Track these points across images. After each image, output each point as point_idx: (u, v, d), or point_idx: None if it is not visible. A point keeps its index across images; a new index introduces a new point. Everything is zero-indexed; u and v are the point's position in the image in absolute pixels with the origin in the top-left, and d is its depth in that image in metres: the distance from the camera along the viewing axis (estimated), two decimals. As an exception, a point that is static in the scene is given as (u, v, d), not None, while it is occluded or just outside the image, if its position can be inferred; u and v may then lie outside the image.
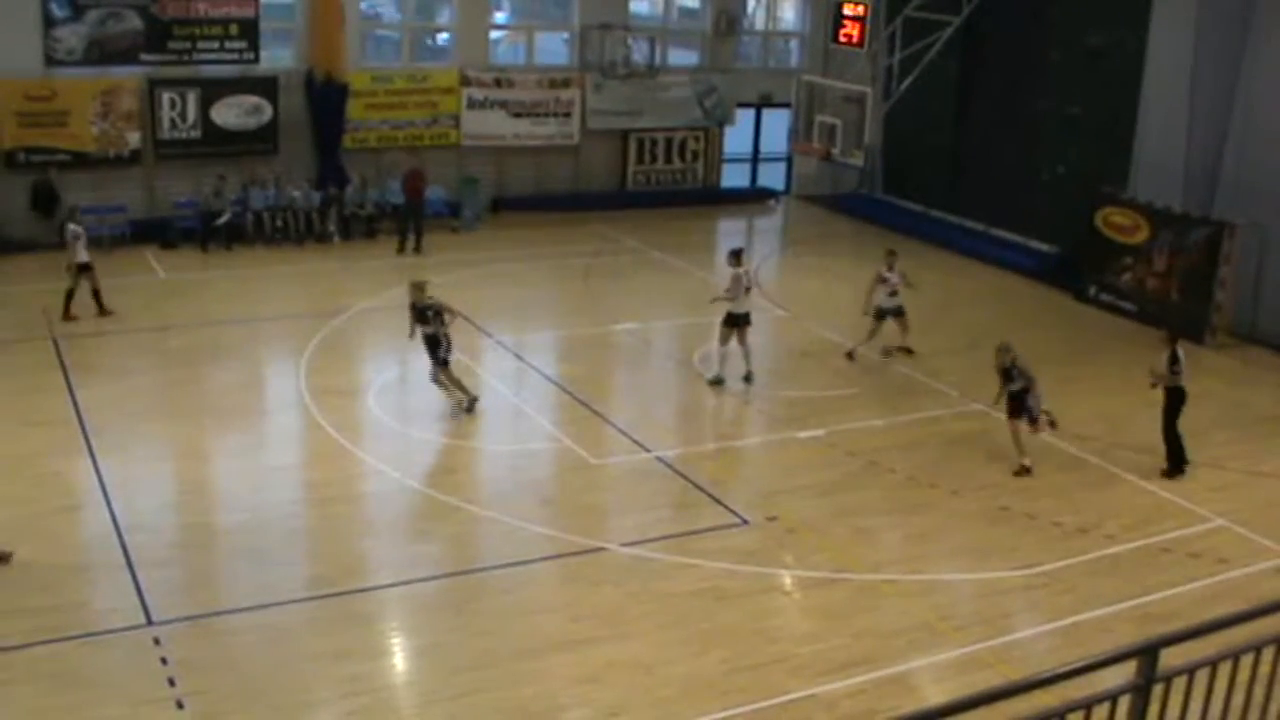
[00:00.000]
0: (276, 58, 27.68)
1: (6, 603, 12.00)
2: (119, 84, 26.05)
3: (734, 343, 18.99)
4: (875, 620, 12.63)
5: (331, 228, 26.90)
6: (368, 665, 11.48)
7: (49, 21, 25.20)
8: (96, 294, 21.34)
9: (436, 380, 17.43)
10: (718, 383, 19.00)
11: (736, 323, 18.88)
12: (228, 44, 26.69)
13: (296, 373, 18.93)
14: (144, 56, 26.07)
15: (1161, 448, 16.45)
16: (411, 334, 17.46)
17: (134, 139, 26.41)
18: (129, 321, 21.03)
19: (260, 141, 27.25)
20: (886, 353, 20.44)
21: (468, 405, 17.41)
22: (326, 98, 27.35)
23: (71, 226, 21.55)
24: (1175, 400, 16.26)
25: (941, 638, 12.37)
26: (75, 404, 17.17)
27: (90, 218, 25.84)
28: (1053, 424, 16.62)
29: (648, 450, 16.59)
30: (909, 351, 20.60)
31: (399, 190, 26.88)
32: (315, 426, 16.89)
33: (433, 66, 29.45)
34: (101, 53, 25.76)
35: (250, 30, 26.83)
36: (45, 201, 25.74)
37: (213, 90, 26.73)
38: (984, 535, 14.64)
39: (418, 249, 26.13)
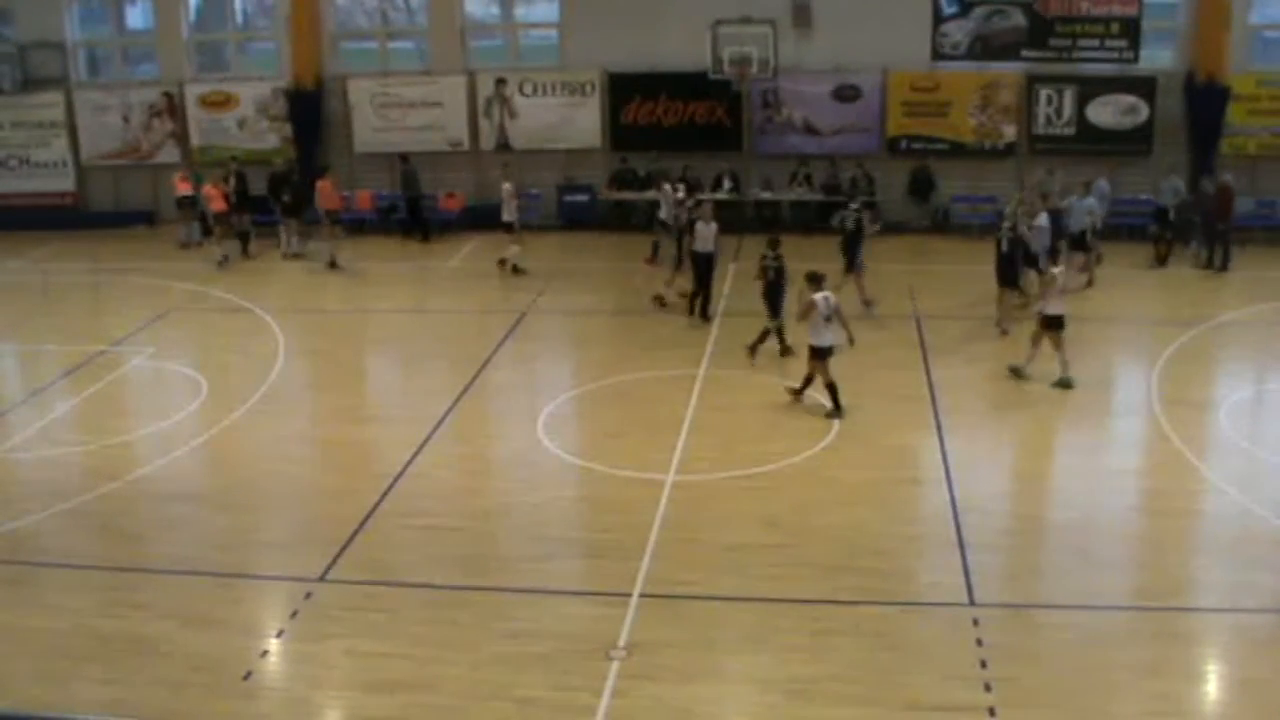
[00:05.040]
0: (1155, 57, 27.01)
1: (844, 560, 12.96)
2: (999, 78, 26.91)
3: None
4: None
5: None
6: (1179, 687, 10.87)
7: (938, 17, 26.62)
8: (504, 261, 24.82)
9: None
10: None
11: None
12: (1108, 42, 26.46)
13: (1147, 383, 18.33)
14: (1025, 53, 26.67)
15: None
16: None
17: (1009, 133, 27.15)
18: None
19: (1133, 143, 26.76)
20: None
21: None
22: (1205, 100, 26.17)
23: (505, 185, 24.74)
24: None
25: None
26: (930, 382, 18.08)
27: (962, 206, 27.23)
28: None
29: None
30: None
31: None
32: (1162, 437, 16.24)
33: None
34: (985, 48, 26.77)
35: (1131, 29, 26.39)
36: (922, 188, 27.39)
37: (1090, 88, 26.69)
38: None
39: (1222, 267, 24.08)
